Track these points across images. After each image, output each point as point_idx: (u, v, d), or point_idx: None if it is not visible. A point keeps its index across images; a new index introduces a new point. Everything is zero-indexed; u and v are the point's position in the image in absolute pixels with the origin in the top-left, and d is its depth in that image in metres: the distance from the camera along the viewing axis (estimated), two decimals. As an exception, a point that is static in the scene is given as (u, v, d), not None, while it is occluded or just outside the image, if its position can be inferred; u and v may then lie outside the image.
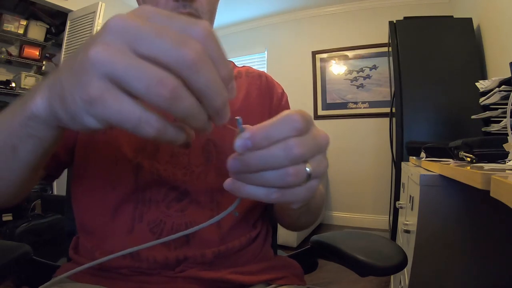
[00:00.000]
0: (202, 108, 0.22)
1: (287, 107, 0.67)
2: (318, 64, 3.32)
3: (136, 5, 0.61)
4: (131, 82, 0.20)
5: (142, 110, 0.21)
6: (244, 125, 0.26)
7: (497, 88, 0.93)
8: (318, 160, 0.27)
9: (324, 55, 3.30)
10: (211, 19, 0.56)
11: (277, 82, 0.69)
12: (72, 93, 0.22)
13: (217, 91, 0.22)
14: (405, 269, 0.97)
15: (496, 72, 1.68)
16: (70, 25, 2.71)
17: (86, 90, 0.20)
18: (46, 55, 3.06)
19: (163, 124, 0.22)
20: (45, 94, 0.26)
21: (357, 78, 3.14)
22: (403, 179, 1.51)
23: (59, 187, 2.65)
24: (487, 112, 1.02)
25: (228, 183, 0.28)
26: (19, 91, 2.75)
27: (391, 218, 2.30)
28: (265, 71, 0.70)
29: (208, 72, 0.21)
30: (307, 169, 0.26)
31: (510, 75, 0.89)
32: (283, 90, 0.68)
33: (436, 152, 1.00)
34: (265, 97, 0.64)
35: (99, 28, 2.45)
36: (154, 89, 0.19)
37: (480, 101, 1.06)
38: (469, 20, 1.91)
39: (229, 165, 0.26)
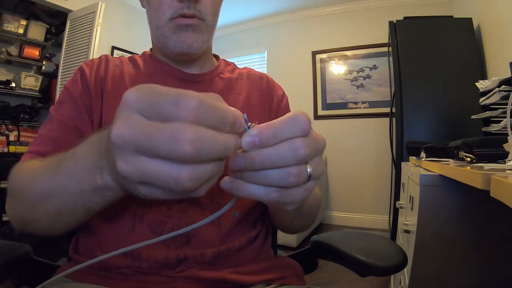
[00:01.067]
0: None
1: (287, 109, 0.67)
2: (318, 64, 3.32)
3: (137, 5, 0.61)
4: (156, 144, 0.21)
5: (168, 173, 0.22)
6: (250, 122, 0.26)
7: (497, 88, 0.93)
8: (317, 162, 0.28)
9: (324, 55, 3.30)
10: (214, 20, 0.56)
11: (278, 84, 0.69)
12: (113, 171, 0.27)
13: (224, 152, 0.23)
14: (405, 269, 0.97)
15: (496, 72, 1.68)
16: (70, 25, 2.71)
17: (119, 165, 0.23)
18: (46, 55, 3.07)
19: (192, 171, 0.22)
20: (110, 173, 0.28)
21: (357, 78, 3.14)
22: (403, 179, 1.51)
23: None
24: (487, 112, 1.02)
25: (226, 182, 0.28)
26: (19, 91, 2.75)
27: (391, 218, 2.31)
28: (265, 71, 0.70)
29: (210, 148, 0.22)
30: (308, 169, 0.26)
31: (510, 75, 0.89)
32: (284, 92, 0.69)
33: (436, 152, 1.00)
34: (265, 99, 0.64)
35: (99, 28, 2.43)
36: (176, 145, 0.21)
37: (480, 101, 1.06)
38: (469, 20, 1.91)
39: (232, 163, 0.26)
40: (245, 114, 0.26)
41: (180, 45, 0.52)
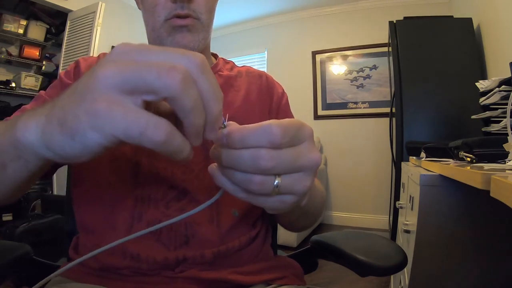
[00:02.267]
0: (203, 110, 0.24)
1: (287, 107, 0.67)
2: (318, 64, 3.32)
3: (135, 4, 0.61)
4: (142, 79, 0.21)
5: (150, 115, 0.21)
6: (229, 122, 0.27)
7: (497, 88, 0.93)
8: (296, 178, 0.27)
9: (324, 55, 3.30)
10: (210, 18, 0.56)
11: (277, 82, 0.69)
12: (75, 111, 0.22)
13: (218, 97, 0.24)
14: (405, 269, 0.97)
15: (496, 72, 1.68)
16: (70, 25, 2.71)
17: (91, 104, 0.21)
18: (46, 55, 3.07)
19: (171, 128, 0.22)
20: (41, 121, 0.25)
21: (357, 78, 3.14)
22: (403, 179, 1.51)
23: (59, 187, 2.65)
24: (487, 112, 1.02)
25: (211, 167, 0.29)
26: (19, 91, 2.75)
27: (391, 218, 2.31)
28: (265, 71, 0.70)
29: (211, 76, 0.23)
30: (276, 182, 0.26)
31: (510, 75, 0.89)
32: (284, 90, 0.68)
33: (436, 152, 1.00)
34: (265, 97, 0.64)
35: (99, 28, 2.42)
36: (165, 75, 0.21)
37: (480, 101, 1.06)
38: (469, 20, 1.91)
39: (210, 151, 0.28)
40: (225, 114, 0.27)
41: (176, 46, 0.52)
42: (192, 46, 0.53)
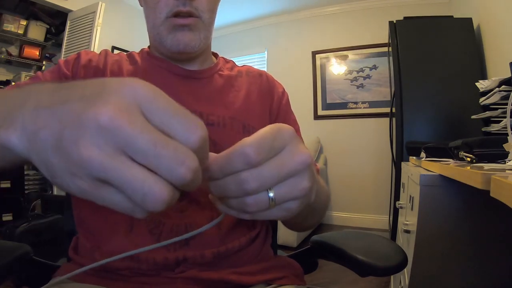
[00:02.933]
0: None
1: (288, 106, 0.67)
2: (318, 64, 3.32)
3: (137, 5, 0.61)
4: (126, 191, 0.19)
5: (132, 205, 0.20)
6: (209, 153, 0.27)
7: (497, 88, 0.93)
8: (290, 185, 0.26)
9: (324, 55, 3.30)
10: (211, 17, 0.56)
11: (278, 82, 0.69)
12: (62, 177, 0.20)
13: (197, 183, 0.22)
14: (405, 269, 0.97)
15: (496, 72, 1.68)
16: (70, 25, 2.71)
17: (76, 181, 0.20)
18: (46, 55, 3.07)
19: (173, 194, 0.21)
20: (24, 141, 0.22)
21: (357, 78, 3.14)
22: (403, 179, 1.51)
23: (59, 187, 2.65)
24: (487, 112, 1.02)
25: (211, 196, 0.29)
26: (19, 91, 2.75)
27: (391, 218, 2.30)
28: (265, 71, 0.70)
29: (196, 184, 0.21)
30: (270, 195, 0.25)
31: (510, 75, 0.89)
32: (284, 90, 0.68)
33: (436, 152, 1.00)
34: (265, 96, 0.63)
35: (99, 28, 2.42)
36: (149, 202, 0.19)
37: (480, 101, 1.06)
38: (469, 20, 1.91)
39: (202, 185, 0.27)
40: None
41: (177, 44, 0.52)
42: (193, 45, 0.53)
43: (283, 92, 0.67)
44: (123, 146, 0.19)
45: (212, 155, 0.26)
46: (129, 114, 0.19)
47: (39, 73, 0.55)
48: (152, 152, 0.19)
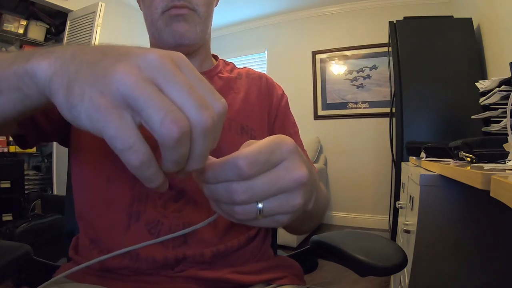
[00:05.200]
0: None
1: (286, 108, 0.67)
2: (318, 64, 3.32)
3: (137, 5, 0.61)
4: (147, 111, 0.20)
5: (138, 138, 0.21)
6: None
7: (497, 88, 0.93)
8: (281, 200, 0.26)
9: (324, 55, 3.30)
10: (208, 12, 0.56)
11: (277, 84, 0.69)
12: (84, 89, 0.21)
13: (203, 158, 0.24)
14: (405, 269, 0.97)
15: (496, 72, 1.68)
16: (70, 25, 2.71)
17: (97, 96, 0.21)
18: (46, 55, 3.06)
19: (149, 159, 0.22)
20: (54, 66, 0.24)
21: (357, 78, 3.14)
22: (403, 179, 1.51)
23: (59, 187, 2.65)
24: (487, 112, 1.02)
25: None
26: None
27: (391, 218, 2.30)
28: (265, 71, 0.70)
29: (209, 142, 0.23)
30: (259, 206, 0.26)
31: (510, 75, 0.89)
32: (283, 92, 0.69)
33: (436, 152, 1.00)
34: (264, 98, 0.64)
35: (99, 28, 2.42)
36: (167, 126, 0.20)
37: (480, 101, 1.06)
38: (469, 20, 1.91)
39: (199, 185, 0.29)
40: None
41: (173, 35, 0.53)
42: (189, 36, 0.53)
43: (282, 94, 0.68)
44: (161, 79, 0.21)
45: (209, 159, 0.26)
46: (168, 58, 0.22)
47: None
48: (186, 92, 0.21)
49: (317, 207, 0.50)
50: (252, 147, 0.25)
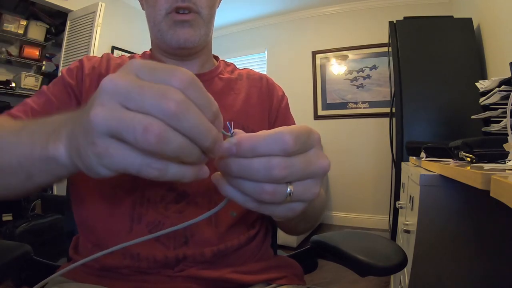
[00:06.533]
0: (194, 145, 0.23)
1: (287, 110, 0.67)
2: (318, 64, 3.32)
3: (137, 5, 0.61)
4: (124, 134, 0.22)
5: (141, 156, 0.23)
6: (236, 129, 0.27)
7: (497, 88, 0.93)
8: (306, 185, 0.26)
9: (324, 55, 3.30)
10: (211, 14, 0.56)
11: (278, 85, 0.69)
12: (85, 149, 0.24)
13: (204, 133, 0.23)
14: (405, 269, 0.97)
15: (496, 72, 1.68)
16: (70, 25, 2.71)
17: (94, 147, 0.23)
18: (46, 55, 3.06)
19: (163, 164, 0.23)
20: (66, 145, 0.28)
21: (357, 78, 3.14)
22: (403, 179, 1.51)
23: (59, 187, 2.65)
24: (487, 112, 1.02)
25: (215, 176, 0.28)
26: (19, 91, 2.75)
27: (391, 218, 2.30)
28: (265, 72, 0.71)
29: (191, 117, 0.22)
30: (288, 190, 0.25)
31: (510, 75, 0.89)
32: (284, 93, 0.69)
33: (436, 152, 1.00)
34: (265, 99, 0.64)
35: (99, 28, 2.43)
36: (141, 137, 0.21)
37: (480, 101, 1.06)
38: (469, 20, 1.91)
39: (216, 163, 0.27)
40: (230, 122, 0.27)
41: (177, 39, 0.53)
42: (193, 40, 0.54)
43: (283, 95, 0.68)
44: (121, 99, 0.22)
45: (242, 132, 0.26)
46: (122, 75, 0.23)
47: (44, 88, 0.55)
48: (140, 95, 0.22)
49: (312, 210, 0.50)
50: (290, 127, 0.25)
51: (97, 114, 0.22)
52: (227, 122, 0.27)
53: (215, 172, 0.28)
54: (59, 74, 0.57)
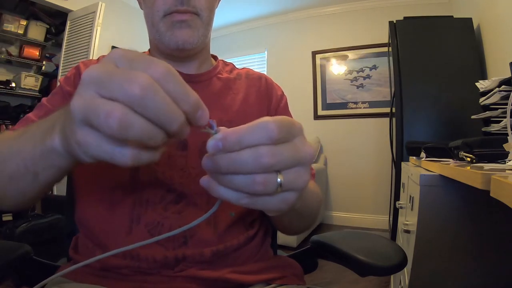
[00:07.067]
0: (158, 129, 0.24)
1: (286, 109, 0.67)
2: (318, 64, 3.32)
3: (137, 5, 0.61)
4: (93, 121, 0.23)
5: (113, 145, 0.24)
6: (220, 127, 0.27)
7: (497, 88, 0.93)
8: (296, 173, 0.27)
9: (324, 55, 3.30)
10: (210, 16, 0.56)
11: (276, 84, 0.69)
12: (69, 137, 0.27)
13: (169, 117, 0.23)
14: (405, 269, 0.97)
15: (496, 72, 1.68)
16: (70, 25, 2.71)
17: (74, 135, 0.25)
18: (46, 55, 3.06)
19: (135, 152, 0.24)
20: (59, 135, 0.31)
21: (357, 78, 3.14)
22: (403, 179, 1.51)
23: (59, 187, 2.65)
24: (487, 112, 1.02)
25: (204, 180, 0.28)
26: (19, 91, 2.75)
27: (391, 218, 2.30)
28: (265, 72, 0.70)
29: (156, 101, 0.22)
30: (278, 179, 0.25)
31: (510, 75, 0.89)
32: (283, 93, 0.68)
33: (436, 152, 1.00)
34: (264, 99, 0.64)
35: (99, 28, 2.43)
36: (104, 122, 0.22)
37: (480, 101, 1.06)
38: (469, 20, 1.91)
39: (203, 163, 0.27)
40: (213, 120, 0.27)
41: (175, 41, 0.52)
42: (192, 41, 0.53)
43: (282, 95, 0.67)
44: (97, 88, 0.23)
45: (225, 128, 0.26)
46: (100, 65, 0.24)
47: (43, 100, 0.56)
48: (108, 80, 0.22)
49: (306, 207, 0.50)
50: (274, 117, 0.26)
51: (74, 103, 0.23)
52: (210, 120, 0.26)
53: (203, 176, 0.28)
54: (59, 80, 0.58)
